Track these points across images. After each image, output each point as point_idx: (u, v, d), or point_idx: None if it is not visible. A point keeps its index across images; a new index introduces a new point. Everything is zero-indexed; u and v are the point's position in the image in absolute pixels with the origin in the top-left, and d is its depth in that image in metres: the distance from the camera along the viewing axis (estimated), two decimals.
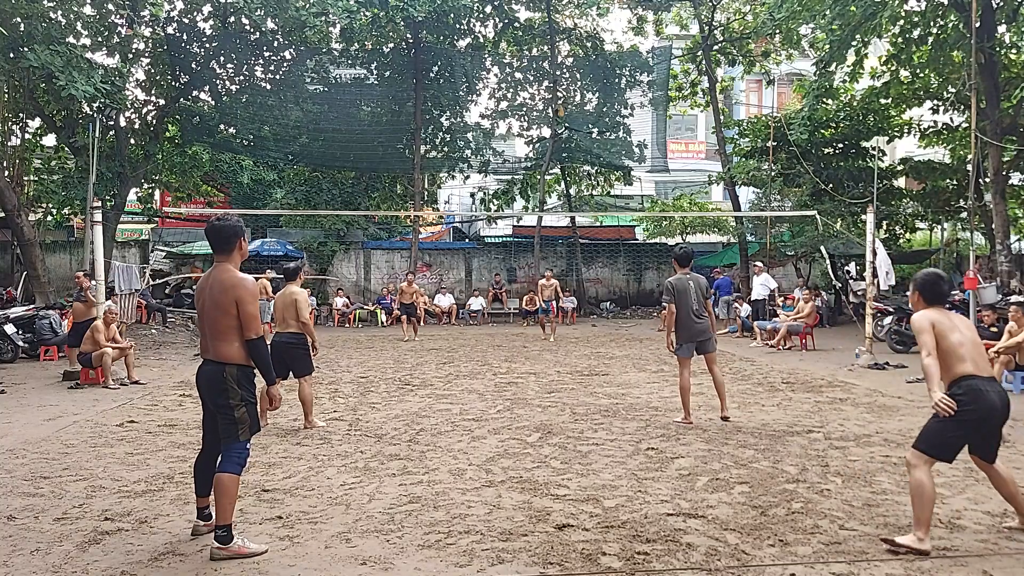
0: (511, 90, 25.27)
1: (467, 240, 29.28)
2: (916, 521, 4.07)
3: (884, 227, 21.13)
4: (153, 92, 21.09)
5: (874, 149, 21.03)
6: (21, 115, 19.17)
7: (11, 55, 14.79)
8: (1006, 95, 15.73)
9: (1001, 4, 15.67)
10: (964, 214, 20.65)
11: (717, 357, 7.73)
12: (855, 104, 20.63)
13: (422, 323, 21.52)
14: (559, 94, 24.60)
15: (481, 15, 23.94)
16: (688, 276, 7.58)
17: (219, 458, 4.24)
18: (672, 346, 7.67)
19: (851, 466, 5.81)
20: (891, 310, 14.57)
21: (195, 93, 21.60)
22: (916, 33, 17.45)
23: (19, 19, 15.10)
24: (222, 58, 21.11)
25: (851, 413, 8.05)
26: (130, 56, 18.89)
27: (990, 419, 4.07)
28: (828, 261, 17.10)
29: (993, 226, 16.58)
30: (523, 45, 25.40)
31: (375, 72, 24.34)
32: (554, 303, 17.01)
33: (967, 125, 16.56)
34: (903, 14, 16.84)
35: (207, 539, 4.24)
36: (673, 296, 7.47)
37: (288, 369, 7.35)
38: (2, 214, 17.25)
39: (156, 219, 26.87)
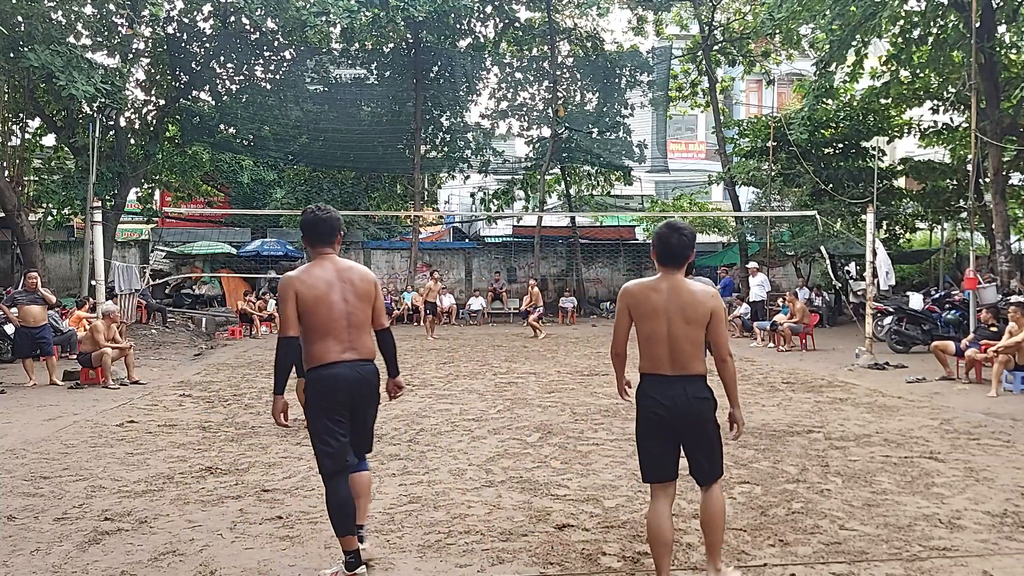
0: (511, 90, 25.28)
1: (467, 240, 29.28)
2: None
3: (884, 227, 21.14)
4: (153, 92, 21.11)
5: (874, 149, 21.03)
6: (21, 115, 19.19)
7: (11, 55, 14.79)
8: (1006, 95, 15.72)
9: (1001, 4, 15.66)
10: (964, 214, 20.65)
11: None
12: (855, 104, 20.62)
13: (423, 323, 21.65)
14: (559, 94, 24.60)
15: (481, 15, 23.96)
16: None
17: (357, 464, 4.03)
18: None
19: (851, 466, 5.80)
20: (891, 310, 14.55)
21: (195, 93, 21.61)
22: (916, 33, 17.45)
23: (19, 19, 15.10)
24: (222, 58, 21.12)
25: (851, 413, 8.05)
26: (130, 56, 18.91)
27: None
28: (828, 261, 17.08)
29: (993, 226, 16.58)
30: (523, 45, 25.41)
31: (375, 72, 24.34)
32: (539, 309, 17.98)
33: (967, 125, 16.56)
34: (903, 14, 16.83)
35: (207, 539, 4.25)
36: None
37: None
38: (2, 214, 17.25)
39: (156, 219, 26.90)
